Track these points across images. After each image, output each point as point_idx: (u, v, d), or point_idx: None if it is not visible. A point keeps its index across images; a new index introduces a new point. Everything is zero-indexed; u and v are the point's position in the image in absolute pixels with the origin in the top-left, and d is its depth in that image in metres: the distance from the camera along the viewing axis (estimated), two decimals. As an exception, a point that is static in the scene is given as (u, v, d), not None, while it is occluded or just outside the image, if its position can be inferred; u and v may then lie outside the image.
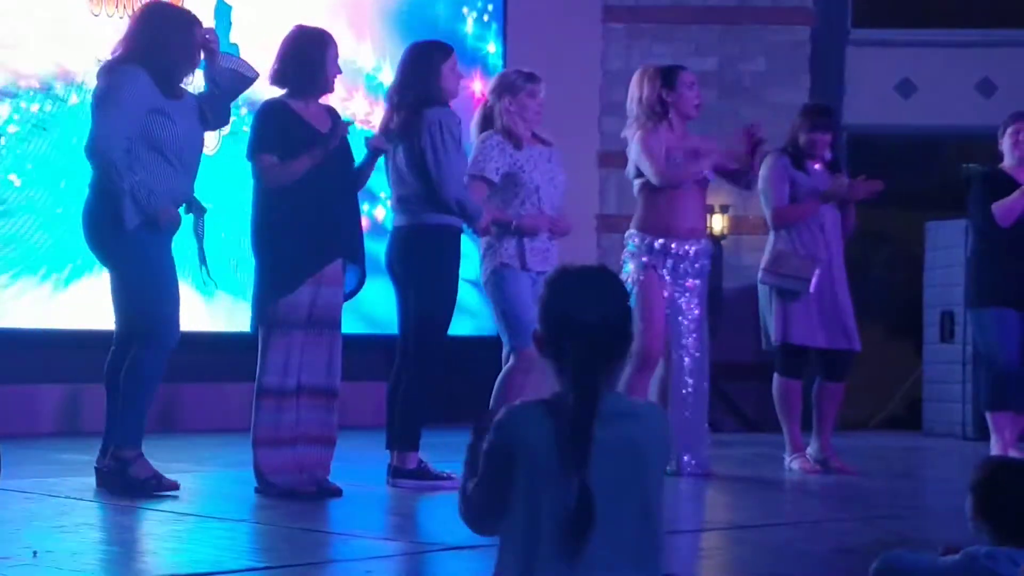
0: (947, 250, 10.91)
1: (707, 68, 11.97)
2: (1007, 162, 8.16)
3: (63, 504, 5.65)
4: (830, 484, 7.32)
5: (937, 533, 4.98)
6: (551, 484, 2.86)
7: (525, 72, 7.11)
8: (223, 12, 9.73)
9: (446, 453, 7.07)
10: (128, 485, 5.83)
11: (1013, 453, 7.91)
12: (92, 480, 6.04)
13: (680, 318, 7.45)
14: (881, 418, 12.41)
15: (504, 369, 6.80)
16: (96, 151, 5.91)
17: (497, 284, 6.84)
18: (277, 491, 5.96)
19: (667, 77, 7.45)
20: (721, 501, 7.16)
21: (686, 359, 7.49)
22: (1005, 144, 8.17)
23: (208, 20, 9.53)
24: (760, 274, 8.00)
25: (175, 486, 5.89)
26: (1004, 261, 7.95)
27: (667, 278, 7.36)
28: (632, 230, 7.48)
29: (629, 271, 7.37)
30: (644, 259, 7.34)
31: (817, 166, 7.94)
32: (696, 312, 7.50)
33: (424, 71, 6.61)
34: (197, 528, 5.18)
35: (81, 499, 5.76)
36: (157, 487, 5.85)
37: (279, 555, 4.71)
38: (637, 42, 11.97)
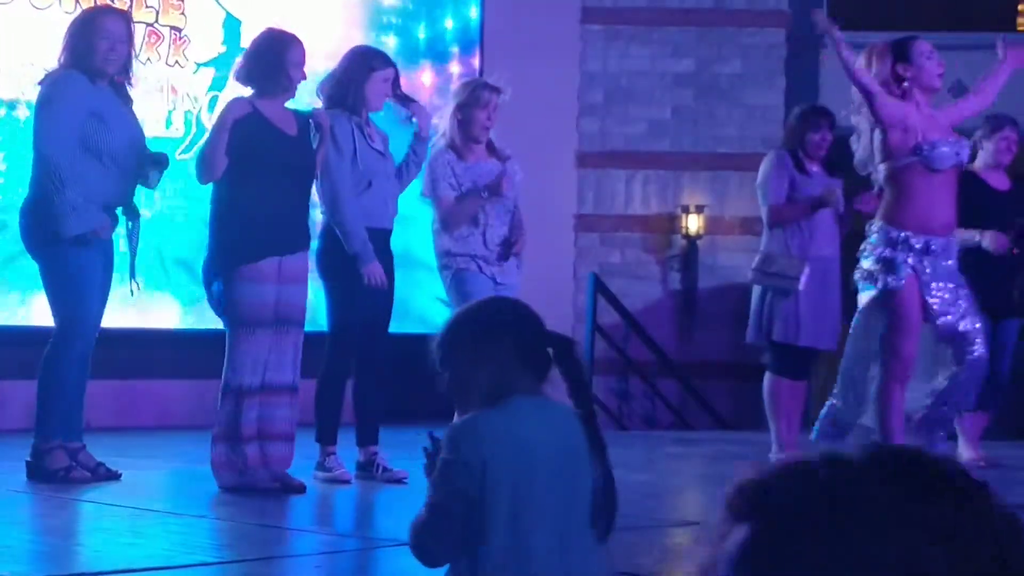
0: (919, 251, 11.00)
1: (683, 70, 12.07)
2: (980, 163, 8.20)
3: (23, 499, 5.74)
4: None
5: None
6: (545, 487, 2.89)
7: (480, 81, 7.16)
8: (232, 27, 9.76)
9: (409, 451, 7.12)
10: (41, 474, 6.07)
11: (980, 452, 8.03)
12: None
13: (954, 319, 6.74)
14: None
15: None
16: (42, 157, 6.07)
17: (458, 288, 6.88)
18: (240, 487, 6.04)
19: (900, 50, 6.85)
20: (690, 498, 7.26)
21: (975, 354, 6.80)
22: (987, 146, 8.19)
23: (216, 35, 9.62)
24: (750, 274, 8.00)
25: (84, 479, 6.09)
26: (970, 265, 8.02)
27: (926, 278, 6.57)
28: (880, 222, 6.68)
29: (868, 267, 6.68)
30: (897, 257, 6.53)
31: (815, 168, 7.91)
32: (964, 311, 6.76)
33: (352, 73, 6.73)
34: (155, 523, 5.25)
35: (41, 494, 5.85)
36: (64, 478, 6.04)
37: (233, 550, 4.79)
38: (615, 44, 12.06)
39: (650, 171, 12.03)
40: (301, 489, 6.10)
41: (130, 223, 6.31)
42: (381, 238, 6.74)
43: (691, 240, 11.96)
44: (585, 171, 12.07)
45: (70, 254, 6.06)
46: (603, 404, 11.42)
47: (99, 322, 6.23)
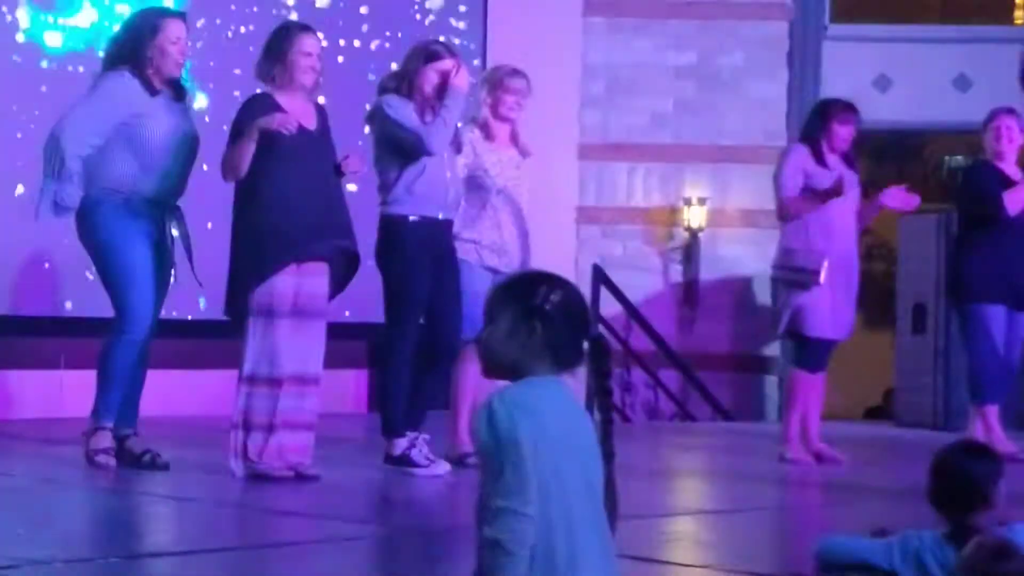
0: (920, 243, 11.05)
1: (686, 62, 12.12)
2: (989, 155, 8.31)
3: (51, 487, 5.78)
4: (796, 472, 7.45)
5: (888, 517, 5.11)
6: (575, 466, 2.91)
7: (511, 68, 7.24)
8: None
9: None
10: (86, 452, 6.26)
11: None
12: (74, 465, 6.19)
13: None
14: (865, 409, 12.63)
15: (459, 361, 6.86)
16: (52, 135, 6.25)
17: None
18: (253, 475, 6.08)
19: None
20: (691, 487, 7.32)
21: None
22: (987, 139, 8.31)
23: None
24: (771, 271, 8.02)
25: (107, 465, 6.16)
26: (993, 256, 8.08)
27: None
28: None
29: None
30: None
31: (835, 160, 7.86)
32: None
33: (411, 66, 6.71)
34: (174, 510, 5.30)
35: (60, 481, 5.88)
36: (90, 461, 6.19)
37: (254, 535, 4.84)
38: (617, 36, 12.10)
39: (652, 163, 12.08)
40: (315, 479, 6.13)
41: (173, 224, 6.44)
42: (436, 228, 6.69)
43: (693, 232, 12.00)
44: (587, 163, 12.12)
45: (119, 247, 6.26)
46: (606, 395, 11.48)
47: (151, 312, 6.35)
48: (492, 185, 6.99)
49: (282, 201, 6.14)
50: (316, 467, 6.20)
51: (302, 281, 6.19)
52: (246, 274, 6.17)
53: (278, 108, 6.20)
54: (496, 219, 7.01)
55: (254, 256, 6.15)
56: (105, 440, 6.25)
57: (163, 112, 6.38)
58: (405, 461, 6.52)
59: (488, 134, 7.08)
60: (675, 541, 5.26)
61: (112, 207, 6.30)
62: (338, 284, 6.44)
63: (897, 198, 7.86)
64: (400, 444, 6.57)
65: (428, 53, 6.72)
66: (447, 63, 6.66)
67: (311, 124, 6.32)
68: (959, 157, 14.83)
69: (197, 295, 9.39)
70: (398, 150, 6.61)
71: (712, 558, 4.86)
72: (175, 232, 6.47)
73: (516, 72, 7.18)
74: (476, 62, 11.23)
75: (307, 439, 6.25)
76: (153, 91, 6.34)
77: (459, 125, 6.98)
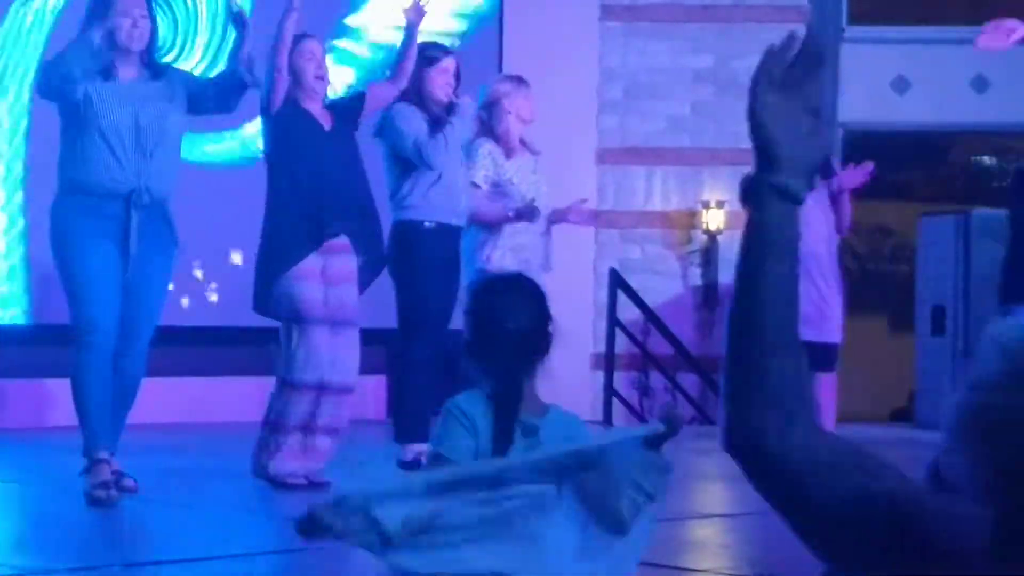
0: (939, 245, 11.02)
1: (703, 66, 12.11)
2: None
3: (54, 494, 5.79)
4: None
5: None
6: None
7: (501, 76, 7.24)
8: None
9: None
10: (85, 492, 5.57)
11: None
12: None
13: None
14: (891, 411, 12.58)
15: None
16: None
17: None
18: (269, 479, 6.09)
19: None
20: (708, 491, 7.29)
21: None
22: None
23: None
24: None
25: (108, 499, 5.45)
26: None
27: None
28: None
29: None
30: None
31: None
32: None
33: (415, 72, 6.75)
34: (186, 516, 5.31)
35: (79, 489, 5.89)
36: (90, 500, 5.46)
37: (257, 542, 4.86)
38: (634, 40, 12.09)
39: (670, 167, 12.06)
40: (325, 487, 6.11)
41: (132, 211, 5.66)
42: (449, 235, 6.73)
43: (712, 235, 11.98)
44: (605, 167, 12.11)
45: (65, 253, 5.67)
46: (624, 399, 11.47)
47: (110, 318, 5.64)
48: (518, 194, 6.99)
49: (300, 192, 6.18)
50: (330, 474, 6.21)
51: (329, 290, 6.20)
52: (271, 264, 6.19)
53: (304, 113, 6.27)
54: (524, 226, 7.02)
55: (277, 247, 6.19)
56: (103, 473, 5.50)
57: (120, 96, 5.72)
58: (416, 467, 6.52)
59: (508, 146, 7.05)
60: (691, 545, 5.24)
61: (63, 208, 5.70)
62: (370, 270, 6.46)
63: (852, 177, 7.86)
64: (412, 450, 6.59)
65: (426, 58, 6.73)
66: (446, 62, 6.72)
67: (327, 124, 6.36)
68: (985, 158, 14.76)
69: (214, 301, 9.47)
70: (402, 160, 6.66)
71: (728, 563, 4.85)
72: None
73: (510, 77, 7.23)
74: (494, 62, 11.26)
75: (332, 445, 6.28)
76: (108, 75, 5.72)
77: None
